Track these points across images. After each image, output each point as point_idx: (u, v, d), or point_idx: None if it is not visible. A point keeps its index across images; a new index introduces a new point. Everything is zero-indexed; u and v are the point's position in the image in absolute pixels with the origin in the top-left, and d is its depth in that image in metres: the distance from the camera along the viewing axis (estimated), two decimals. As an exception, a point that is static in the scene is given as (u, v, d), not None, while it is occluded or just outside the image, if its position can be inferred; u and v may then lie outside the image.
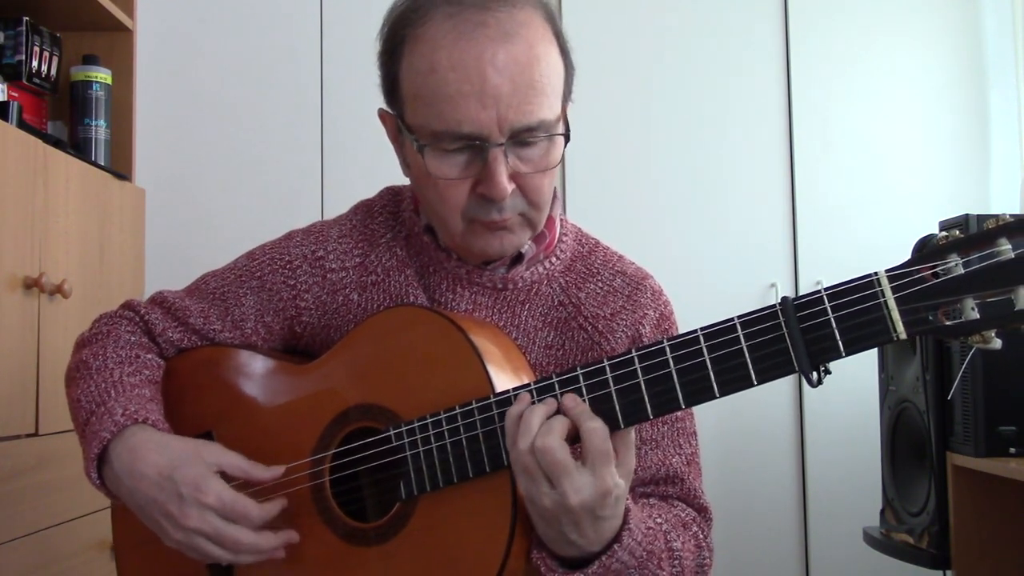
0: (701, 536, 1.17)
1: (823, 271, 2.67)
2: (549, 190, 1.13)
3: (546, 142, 1.09)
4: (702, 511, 1.19)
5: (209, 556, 1.09)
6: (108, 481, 1.12)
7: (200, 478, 1.07)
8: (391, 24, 1.13)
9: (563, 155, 1.12)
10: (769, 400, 2.68)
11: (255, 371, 1.21)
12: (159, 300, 1.26)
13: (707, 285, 2.67)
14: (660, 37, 2.80)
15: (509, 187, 1.07)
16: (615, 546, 1.00)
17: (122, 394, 1.14)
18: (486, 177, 1.06)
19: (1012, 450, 1.94)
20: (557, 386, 1.00)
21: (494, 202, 1.08)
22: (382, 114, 1.19)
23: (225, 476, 1.10)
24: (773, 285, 2.71)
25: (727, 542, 2.52)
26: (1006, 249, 0.86)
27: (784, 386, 2.69)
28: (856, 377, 2.50)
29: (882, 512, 2.32)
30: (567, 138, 1.11)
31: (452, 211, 1.10)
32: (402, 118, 1.12)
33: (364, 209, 1.27)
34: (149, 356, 1.22)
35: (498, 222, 1.10)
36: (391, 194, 1.28)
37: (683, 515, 1.17)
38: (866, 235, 2.69)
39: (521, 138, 1.06)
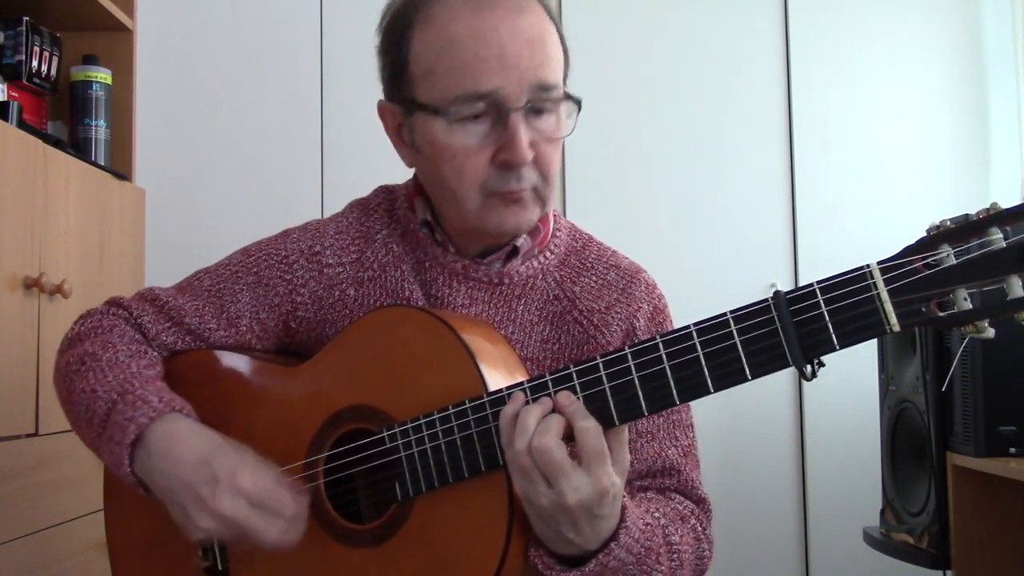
0: (700, 528, 1.17)
1: (823, 271, 2.58)
2: (558, 164, 1.15)
3: (555, 114, 1.12)
4: (700, 503, 1.19)
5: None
6: (137, 465, 1.10)
7: (238, 464, 1.06)
8: (394, 12, 1.15)
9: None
10: (769, 400, 2.68)
11: (247, 374, 1.20)
12: (150, 298, 1.24)
13: (707, 285, 2.67)
14: (660, 37, 2.80)
15: (529, 153, 1.08)
16: (612, 544, 1.00)
17: (148, 383, 1.13)
18: (507, 141, 1.08)
19: (1012, 450, 1.93)
20: (550, 384, 0.99)
21: (513, 170, 1.09)
22: (381, 107, 1.19)
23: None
24: (773, 285, 2.70)
25: (727, 542, 2.51)
26: (997, 238, 0.86)
27: (784, 386, 2.69)
28: (856, 377, 2.50)
29: (882, 512, 2.32)
30: (579, 107, 1.14)
31: (470, 185, 1.11)
32: (413, 101, 1.13)
33: (359, 207, 1.27)
34: (154, 354, 1.21)
35: (515, 192, 1.11)
36: (385, 192, 1.28)
37: (681, 508, 1.17)
38: (866, 235, 2.69)
39: (538, 102, 1.09)
